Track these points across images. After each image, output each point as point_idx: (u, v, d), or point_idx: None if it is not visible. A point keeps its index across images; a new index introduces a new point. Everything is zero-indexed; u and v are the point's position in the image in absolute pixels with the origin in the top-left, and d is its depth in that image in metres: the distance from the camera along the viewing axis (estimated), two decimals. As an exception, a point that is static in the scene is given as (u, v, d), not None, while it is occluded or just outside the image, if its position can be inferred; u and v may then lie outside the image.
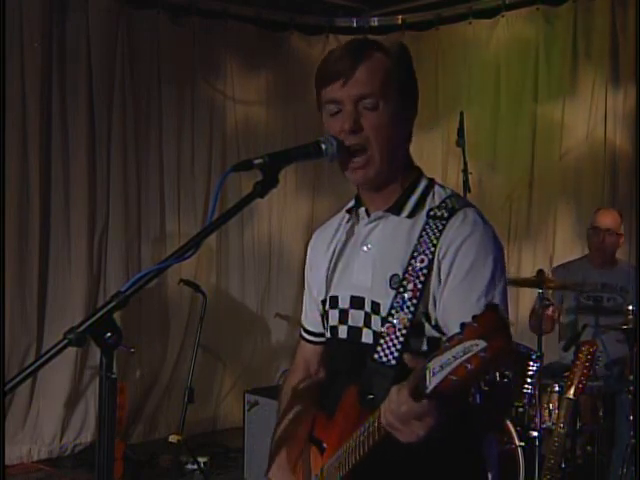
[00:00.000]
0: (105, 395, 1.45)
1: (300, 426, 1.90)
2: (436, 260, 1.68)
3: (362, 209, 1.83)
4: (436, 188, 1.80)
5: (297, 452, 1.88)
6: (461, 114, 4.81)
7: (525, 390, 4.11)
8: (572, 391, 3.58)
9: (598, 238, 4.72)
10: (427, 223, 1.72)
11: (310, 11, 6.70)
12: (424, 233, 1.70)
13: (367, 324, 1.76)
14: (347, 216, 1.89)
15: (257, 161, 1.62)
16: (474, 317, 1.29)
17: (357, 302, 1.79)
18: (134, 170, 5.90)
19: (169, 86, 6.07)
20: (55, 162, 5.52)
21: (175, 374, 6.04)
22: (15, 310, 5.33)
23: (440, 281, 1.68)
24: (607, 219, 4.73)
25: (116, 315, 1.47)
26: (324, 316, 1.89)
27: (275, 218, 6.64)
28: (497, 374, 1.28)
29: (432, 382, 1.30)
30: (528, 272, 5.24)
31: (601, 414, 4.27)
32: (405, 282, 1.67)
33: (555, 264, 5.25)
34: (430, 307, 1.68)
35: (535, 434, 4.00)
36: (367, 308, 1.76)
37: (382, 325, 1.69)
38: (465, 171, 4.82)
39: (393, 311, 1.67)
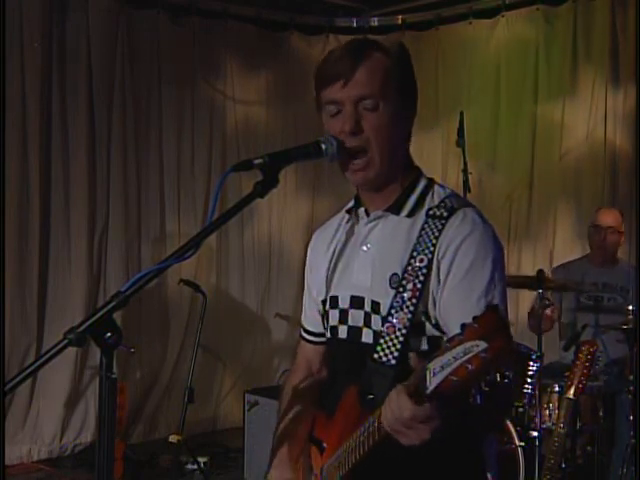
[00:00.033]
0: (105, 395, 1.45)
1: (301, 424, 1.90)
2: (435, 259, 1.68)
3: (362, 209, 1.84)
4: (435, 188, 1.80)
5: (298, 449, 1.88)
6: (461, 114, 4.81)
7: (525, 390, 4.11)
8: (572, 391, 3.58)
9: (599, 236, 4.72)
10: (426, 222, 1.72)
11: (310, 11, 6.70)
12: (423, 232, 1.70)
13: (367, 324, 1.76)
14: (347, 216, 1.89)
15: (257, 161, 1.62)
16: (474, 318, 1.29)
17: (357, 302, 1.79)
18: (134, 170, 5.90)
19: (169, 86, 6.07)
20: (55, 162, 5.52)
21: (175, 374, 6.04)
22: (15, 310, 5.33)
23: (439, 281, 1.68)
24: (608, 217, 4.73)
25: (116, 315, 1.47)
26: (324, 316, 1.89)
27: (275, 218, 6.64)
28: (498, 375, 1.28)
29: (432, 382, 1.30)
30: (528, 272, 5.24)
31: (601, 414, 4.27)
32: (405, 282, 1.67)
33: (555, 264, 5.25)
34: (430, 306, 1.68)
35: (535, 434, 4.00)
36: (367, 308, 1.76)
37: (382, 325, 1.70)
38: (465, 171, 4.82)
39: (393, 311, 1.67)
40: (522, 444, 3.90)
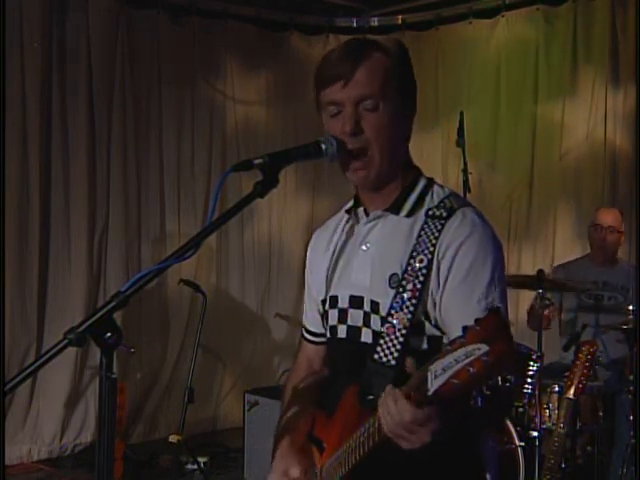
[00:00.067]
0: (105, 395, 1.45)
1: (302, 419, 1.89)
2: (435, 260, 1.68)
3: (361, 209, 1.84)
4: (435, 188, 1.80)
5: (300, 442, 1.86)
6: (461, 114, 4.81)
7: (525, 390, 4.11)
8: (572, 391, 3.58)
9: (599, 235, 4.73)
10: (426, 223, 1.72)
11: (310, 11, 6.70)
12: (423, 233, 1.70)
13: (366, 323, 1.76)
14: (346, 216, 1.89)
15: (257, 161, 1.62)
16: (476, 321, 1.29)
17: (356, 301, 1.79)
18: (134, 170, 5.90)
19: (169, 86, 6.07)
20: (55, 162, 5.52)
21: (175, 374, 6.04)
22: (15, 310, 5.33)
23: (439, 282, 1.68)
24: (608, 217, 4.73)
25: (116, 315, 1.47)
26: (323, 316, 1.89)
27: (275, 218, 6.64)
28: (499, 378, 1.28)
29: (434, 385, 1.30)
30: (528, 272, 5.24)
31: (601, 414, 4.26)
32: (404, 282, 1.67)
33: (555, 264, 5.25)
34: (429, 307, 1.68)
35: (535, 434, 4.00)
36: (366, 307, 1.76)
37: (381, 325, 1.70)
38: (465, 171, 4.82)
39: (392, 311, 1.66)
40: (522, 444, 3.90)
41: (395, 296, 1.67)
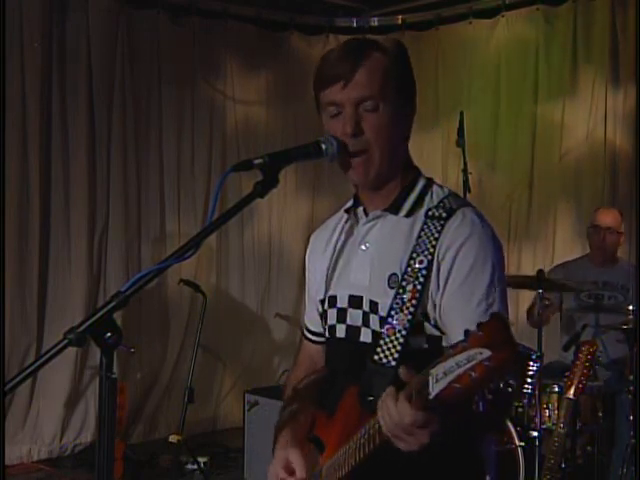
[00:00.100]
0: (105, 395, 1.45)
1: (303, 415, 1.88)
2: (435, 261, 1.67)
3: (360, 209, 1.84)
4: (434, 188, 1.80)
5: (301, 434, 1.85)
6: (461, 114, 4.81)
7: (525, 390, 4.11)
8: (572, 391, 3.58)
9: (599, 237, 4.73)
10: (425, 223, 1.71)
11: (310, 11, 6.70)
12: (422, 233, 1.70)
13: (365, 323, 1.76)
14: (345, 216, 1.89)
15: (257, 161, 1.62)
16: (479, 325, 1.28)
17: (355, 301, 1.78)
18: (134, 170, 5.90)
19: (169, 86, 6.07)
20: (55, 162, 5.53)
21: (175, 374, 6.04)
22: (15, 310, 5.33)
23: (439, 284, 1.68)
24: (608, 217, 4.73)
25: (116, 315, 1.47)
26: (322, 315, 1.89)
27: (275, 218, 6.64)
28: (502, 383, 1.27)
29: (435, 389, 1.29)
30: (528, 272, 5.24)
31: (601, 414, 4.27)
32: (404, 283, 1.67)
33: (555, 264, 5.25)
34: (429, 308, 1.68)
35: (535, 434, 4.00)
36: (365, 307, 1.76)
37: (381, 325, 1.70)
38: (465, 171, 4.82)
39: (392, 312, 1.66)
40: (522, 444, 3.90)
41: (395, 297, 1.67)
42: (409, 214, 1.76)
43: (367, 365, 1.66)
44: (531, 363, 4.09)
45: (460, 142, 4.81)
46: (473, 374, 1.24)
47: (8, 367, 5.17)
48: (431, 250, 1.68)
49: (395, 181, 1.78)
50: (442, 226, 1.69)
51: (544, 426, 4.06)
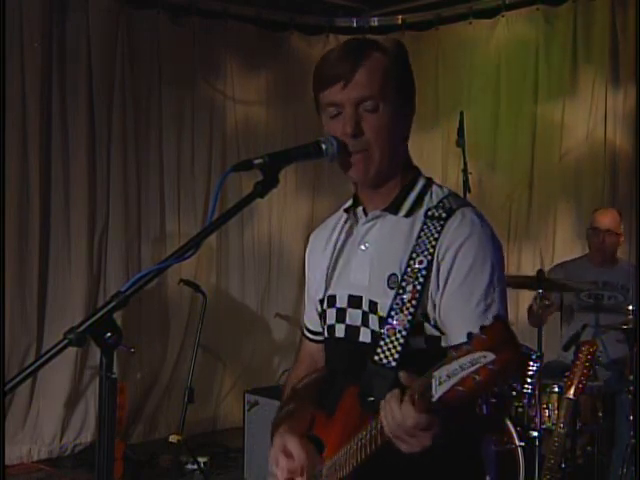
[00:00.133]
0: (105, 395, 1.45)
1: (302, 413, 1.88)
2: (435, 262, 1.67)
3: (360, 208, 1.83)
4: (434, 187, 1.80)
5: (299, 429, 1.85)
6: (461, 114, 4.81)
7: (525, 390, 4.11)
8: (572, 391, 3.58)
9: (598, 239, 4.73)
10: (425, 223, 1.71)
11: (310, 11, 6.70)
12: (422, 234, 1.70)
13: (365, 323, 1.76)
14: (345, 215, 1.89)
15: (257, 161, 1.62)
16: (482, 328, 1.28)
17: (355, 301, 1.78)
18: (134, 170, 5.90)
19: (169, 86, 6.07)
20: (55, 162, 5.52)
21: (175, 374, 6.04)
22: (15, 310, 5.33)
23: (439, 284, 1.68)
24: (606, 219, 4.73)
25: (116, 315, 1.47)
26: (322, 315, 1.89)
27: (275, 218, 6.64)
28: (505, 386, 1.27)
29: (438, 391, 1.29)
30: (528, 272, 5.25)
31: (601, 414, 4.26)
32: (404, 283, 1.67)
33: (555, 263, 5.25)
34: (429, 308, 1.68)
35: (535, 434, 4.00)
36: (365, 307, 1.76)
37: (380, 325, 1.70)
38: (465, 171, 4.82)
39: (392, 312, 1.66)
40: (522, 444, 3.90)
41: (395, 297, 1.67)
42: (409, 214, 1.76)
43: (367, 365, 1.66)
44: (531, 363, 4.09)
45: (460, 142, 4.81)
46: (477, 377, 1.24)
47: (8, 367, 5.17)
48: (431, 250, 1.67)
49: (394, 181, 1.78)
50: (442, 226, 1.69)
51: (544, 426, 4.06)
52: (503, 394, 1.28)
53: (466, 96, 6.20)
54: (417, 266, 1.67)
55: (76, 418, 5.59)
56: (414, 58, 1.79)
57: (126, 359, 5.65)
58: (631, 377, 4.07)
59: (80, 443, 5.58)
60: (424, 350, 1.68)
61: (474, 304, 1.64)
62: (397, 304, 1.66)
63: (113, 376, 1.45)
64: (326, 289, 1.87)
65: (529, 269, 5.48)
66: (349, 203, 1.89)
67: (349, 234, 1.86)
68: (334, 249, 1.88)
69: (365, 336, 1.76)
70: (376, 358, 1.65)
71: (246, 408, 4.78)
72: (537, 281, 4.23)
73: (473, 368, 1.24)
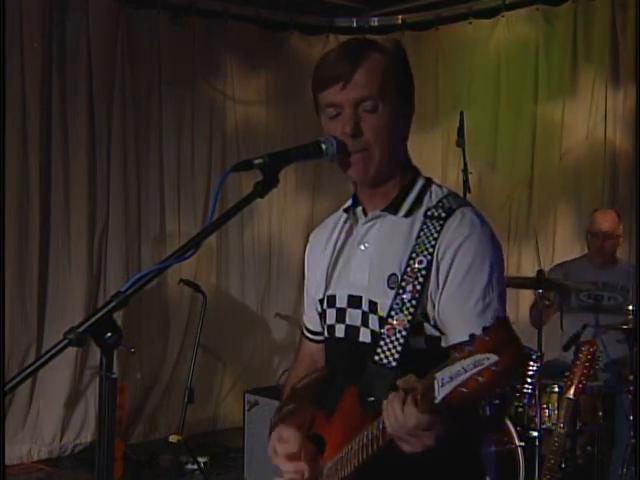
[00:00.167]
0: (105, 395, 1.45)
1: (301, 412, 1.88)
2: (435, 261, 1.67)
3: (359, 208, 1.83)
4: (433, 187, 1.80)
5: (299, 424, 1.84)
6: (461, 114, 4.81)
7: (525, 390, 4.11)
8: (572, 391, 3.58)
9: (597, 241, 4.73)
10: (424, 223, 1.71)
11: (310, 11, 6.70)
12: (422, 234, 1.70)
13: (364, 323, 1.76)
14: (344, 215, 1.89)
15: (257, 161, 1.62)
16: (485, 330, 1.28)
17: (354, 301, 1.78)
18: (134, 170, 5.90)
19: (169, 86, 6.07)
20: (55, 162, 5.52)
21: (175, 374, 6.04)
22: (15, 310, 5.33)
23: (438, 283, 1.68)
24: (605, 222, 4.73)
25: (116, 315, 1.47)
26: (321, 315, 1.89)
27: (275, 218, 6.64)
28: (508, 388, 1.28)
29: (441, 392, 1.29)
30: (528, 272, 5.25)
31: (601, 414, 4.26)
32: (404, 283, 1.67)
33: (554, 263, 5.25)
34: (429, 308, 1.68)
35: (535, 434, 4.00)
36: (364, 307, 1.76)
37: (380, 325, 1.70)
38: (465, 171, 4.82)
39: (392, 312, 1.66)
40: (522, 444, 3.90)
41: (395, 297, 1.67)
42: (408, 214, 1.76)
43: (367, 366, 1.66)
44: (531, 363, 4.09)
45: (460, 142, 4.81)
46: (480, 379, 1.24)
47: (8, 367, 5.17)
48: (430, 250, 1.68)
49: (394, 181, 1.78)
50: (441, 226, 1.69)
51: (544, 426, 4.06)
52: (505, 395, 1.28)
53: (466, 96, 6.20)
54: (417, 266, 1.67)
55: (76, 418, 5.59)
56: (414, 58, 1.79)
57: (126, 359, 5.65)
58: (631, 377, 4.07)
59: (80, 443, 5.58)
60: (424, 350, 1.68)
61: (472, 303, 1.64)
62: (397, 304, 1.66)
63: (113, 376, 1.45)
64: (326, 289, 1.87)
65: (529, 269, 5.48)
66: (349, 203, 1.89)
67: (349, 234, 1.86)
68: (334, 249, 1.88)
69: (365, 336, 1.76)
70: (376, 358, 1.65)
71: (246, 408, 4.78)
72: (537, 282, 4.23)
73: (476, 370, 1.24)
